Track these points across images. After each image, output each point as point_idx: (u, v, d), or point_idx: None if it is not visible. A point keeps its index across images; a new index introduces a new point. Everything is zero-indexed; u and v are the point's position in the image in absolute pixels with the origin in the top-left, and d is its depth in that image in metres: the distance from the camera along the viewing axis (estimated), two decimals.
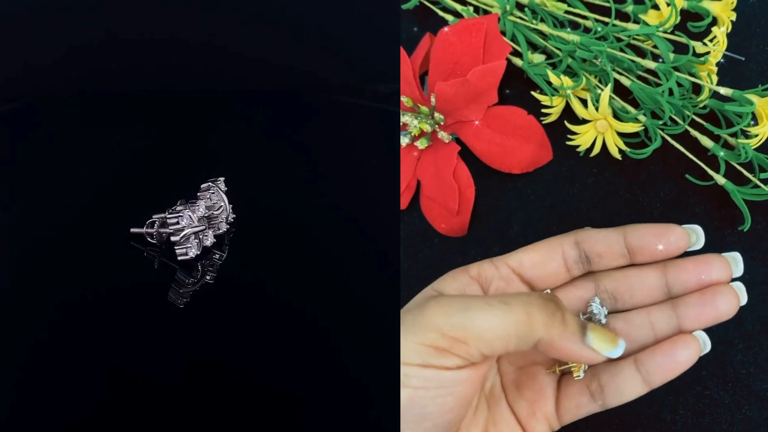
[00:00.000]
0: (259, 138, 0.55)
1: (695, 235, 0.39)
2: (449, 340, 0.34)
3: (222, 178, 0.47)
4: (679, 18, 0.45)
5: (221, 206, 0.46)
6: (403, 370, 0.35)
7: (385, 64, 0.52)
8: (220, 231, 0.47)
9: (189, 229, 0.45)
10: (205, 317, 0.44)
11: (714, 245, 0.43)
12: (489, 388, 0.40)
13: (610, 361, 0.37)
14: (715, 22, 0.46)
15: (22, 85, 0.57)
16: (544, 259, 0.40)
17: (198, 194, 0.47)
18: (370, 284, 0.45)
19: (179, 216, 0.45)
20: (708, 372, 0.42)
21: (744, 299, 0.38)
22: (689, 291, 0.38)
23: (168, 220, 0.45)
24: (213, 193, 0.46)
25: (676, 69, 0.43)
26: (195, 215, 0.45)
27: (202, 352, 0.42)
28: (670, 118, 0.43)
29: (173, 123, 0.55)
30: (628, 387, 0.38)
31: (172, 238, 0.45)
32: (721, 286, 0.38)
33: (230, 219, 0.47)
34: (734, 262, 0.38)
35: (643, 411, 0.42)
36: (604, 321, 0.39)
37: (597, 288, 0.40)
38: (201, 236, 0.46)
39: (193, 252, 0.45)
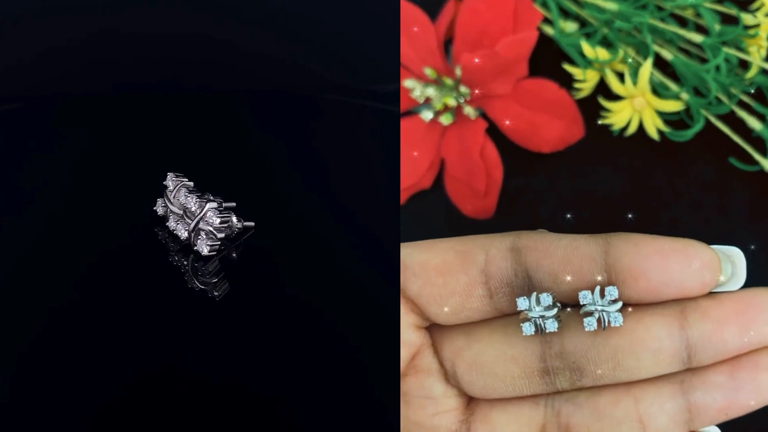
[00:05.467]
0: (257, 138, 0.53)
1: (731, 266, 0.24)
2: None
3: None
4: None
5: (193, 220, 0.44)
6: None
7: (385, 64, 0.50)
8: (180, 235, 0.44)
9: (163, 199, 0.45)
10: (204, 314, 0.42)
11: (757, 233, 0.41)
12: None
13: None
14: None
15: (22, 85, 0.56)
16: (452, 263, 0.27)
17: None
18: (369, 284, 0.44)
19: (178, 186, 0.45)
20: None
21: None
22: (719, 360, 0.24)
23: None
24: (192, 199, 0.44)
25: (724, 44, 0.40)
26: (172, 197, 0.44)
27: (201, 349, 0.41)
28: (715, 97, 0.40)
29: (171, 122, 0.53)
30: None
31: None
32: (765, 354, 0.24)
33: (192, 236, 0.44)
34: None
35: None
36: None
37: (546, 347, 0.25)
38: (171, 218, 0.44)
39: (159, 209, 0.45)
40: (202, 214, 0.43)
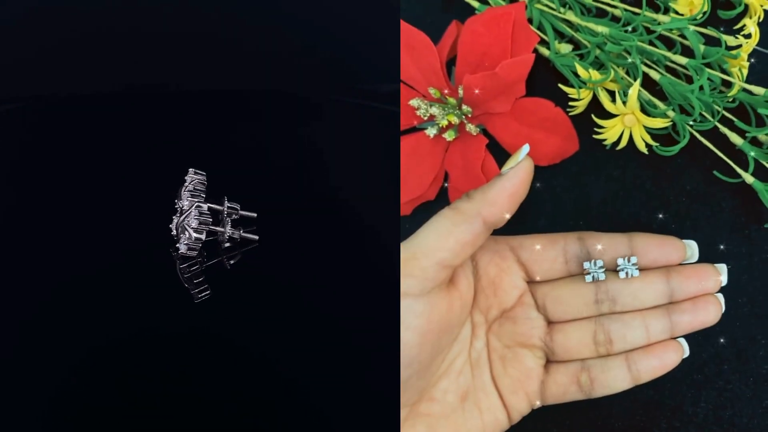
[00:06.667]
0: (258, 138, 0.54)
1: (691, 250, 0.42)
2: (404, 263, 0.38)
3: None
4: (710, 7, 0.44)
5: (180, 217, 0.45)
6: None
7: (385, 64, 0.52)
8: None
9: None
10: (207, 310, 0.44)
11: (739, 241, 0.43)
12: (475, 357, 0.42)
13: (603, 359, 0.41)
14: (746, 10, 0.46)
15: (22, 85, 0.57)
16: (545, 245, 0.42)
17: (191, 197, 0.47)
18: (369, 284, 0.45)
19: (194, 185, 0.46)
20: (730, 367, 0.43)
21: (723, 308, 0.41)
22: (687, 297, 0.41)
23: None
24: (186, 197, 0.46)
25: (707, 65, 0.42)
26: (183, 193, 0.45)
27: (203, 344, 0.43)
28: (700, 114, 0.43)
29: (172, 122, 0.54)
30: (617, 382, 0.41)
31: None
32: (711, 296, 0.41)
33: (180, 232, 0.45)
34: (724, 273, 0.41)
35: (665, 403, 0.43)
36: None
37: (597, 289, 0.41)
38: (176, 213, 0.46)
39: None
40: (187, 214, 0.44)
